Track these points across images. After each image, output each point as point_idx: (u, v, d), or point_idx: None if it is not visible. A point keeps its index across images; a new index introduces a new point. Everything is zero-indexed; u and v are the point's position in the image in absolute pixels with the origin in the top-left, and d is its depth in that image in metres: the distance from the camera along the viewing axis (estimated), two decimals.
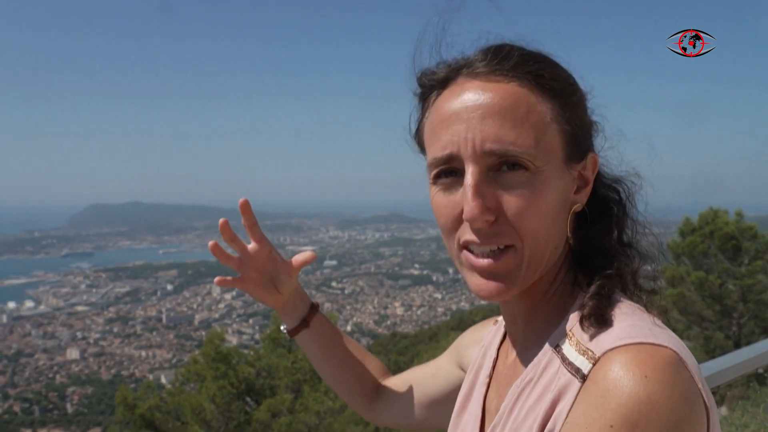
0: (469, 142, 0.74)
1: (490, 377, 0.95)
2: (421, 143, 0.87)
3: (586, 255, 0.82)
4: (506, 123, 0.74)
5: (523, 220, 0.74)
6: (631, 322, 0.71)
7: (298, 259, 1.22)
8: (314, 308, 1.28)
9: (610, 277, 0.78)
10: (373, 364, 1.31)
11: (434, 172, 0.80)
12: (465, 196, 0.75)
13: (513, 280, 0.78)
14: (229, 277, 1.20)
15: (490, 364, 0.96)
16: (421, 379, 1.22)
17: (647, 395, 0.60)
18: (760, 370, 2.35)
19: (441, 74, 0.82)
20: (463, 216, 0.75)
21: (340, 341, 1.29)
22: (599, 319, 0.72)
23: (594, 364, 0.66)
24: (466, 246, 0.79)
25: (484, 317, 1.21)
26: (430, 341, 29.58)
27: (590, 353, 0.68)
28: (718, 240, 13.26)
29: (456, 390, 1.12)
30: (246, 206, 1.16)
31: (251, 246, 1.20)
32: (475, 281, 0.79)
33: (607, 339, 0.69)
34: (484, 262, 0.77)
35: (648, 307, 0.77)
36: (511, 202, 0.74)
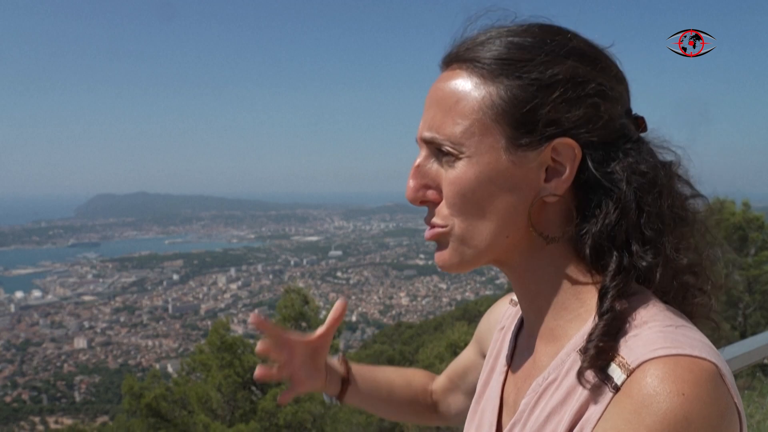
0: (418, 130, 0.82)
1: (509, 365, 0.93)
2: None
3: (595, 251, 0.76)
4: (438, 113, 0.79)
5: (451, 202, 0.78)
6: (663, 328, 0.68)
7: (333, 317, 1.11)
8: (344, 361, 1.23)
9: (622, 279, 0.73)
10: (418, 377, 1.30)
11: None
12: None
13: (451, 253, 0.81)
14: (274, 370, 1.08)
15: (508, 353, 0.94)
16: (462, 373, 1.23)
17: (684, 413, 0.59)
18: (766, 361, 2.34)
19: (442, 61, 0.86)
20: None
21: (382, 377, 1.26)
22: (608, 344, 0.69)
23: (628, 376, 0.64)
24: None
25: (489, 307, 1.19)
26: (435, 331, 29.61)
27: (621, 360, 0.66)
28: (724, 230, 13.20)
29: None
30: (262, 322, 1.05)
31: (296, 342, 1.10)
32: (435, 253, 0.84)
33: (641, 348, 0.66)
34: (426, 234, 0.83)
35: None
36: (445, 185, 0.79)
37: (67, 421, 43.53)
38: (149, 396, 11.50)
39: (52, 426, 43.72)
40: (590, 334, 0.71)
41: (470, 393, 1.17)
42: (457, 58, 0.81)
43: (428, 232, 0.82)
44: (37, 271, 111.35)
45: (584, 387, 0.69)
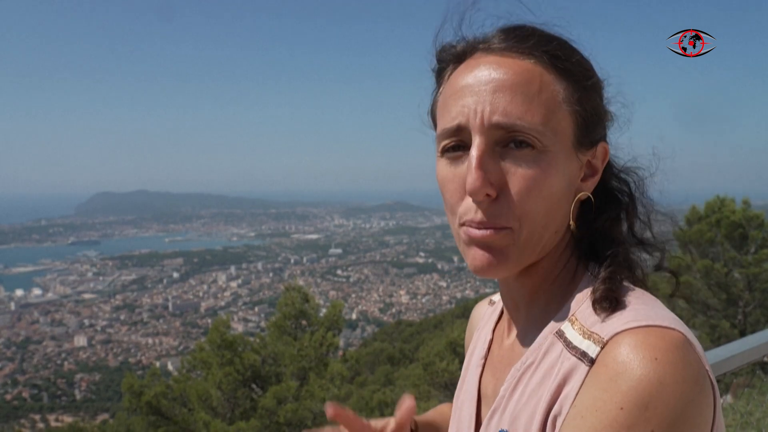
0: (478, 113, 0.74)
1: (485, 359, 0.94)
2: (434, 118, 0.86)
3: (591, 244, 0.81)
4: (517, 98, 0.73)
5: (525, 199, 0.73)
6: (636, 305, 0.71)
7: (403, 414, 1.00)
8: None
9: (618, 264, 0.78)
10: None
11: (442, 144, 0.79)
12: (468, 168, 0.74)
13: (507, 256, 0.76)
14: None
15: (485, 346, 0.95)
16: None
17: (657, 377, 0.61)
18: (766, 359, 2.34)
19: (458, 49, 0.82)
20: (466, 187, 0.74)
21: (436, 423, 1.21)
22: (613, 302, 0.72)
23: (602, 348, 0.66)
24: (465, 224, 0.78)
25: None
26: (434, 329, 29.66)
27: (596, 336, 0.68)
28: (724, 228, 13.20)
29: None
30: (339, 414, 0.94)
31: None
32: (472, 254, 0.77)
33: (613, 323, 0.68)
34: (479, 233, 0.75)
35: (654, 293, 0.79)
36: (515, 180, 0.73)
37: (68, 419, 43.56)
38: (149, 394, 11.50)
39: (53, 424, 43.72)
40: (598, 282, 0.76)
41: None
42: (517, 48, 0.77)
43: (490, 233, 0.75)
44: (38, 269, 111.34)
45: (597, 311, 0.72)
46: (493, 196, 0.74)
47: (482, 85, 0.75)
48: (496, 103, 0.73)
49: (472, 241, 0.76)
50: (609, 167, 0.85)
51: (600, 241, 0.80)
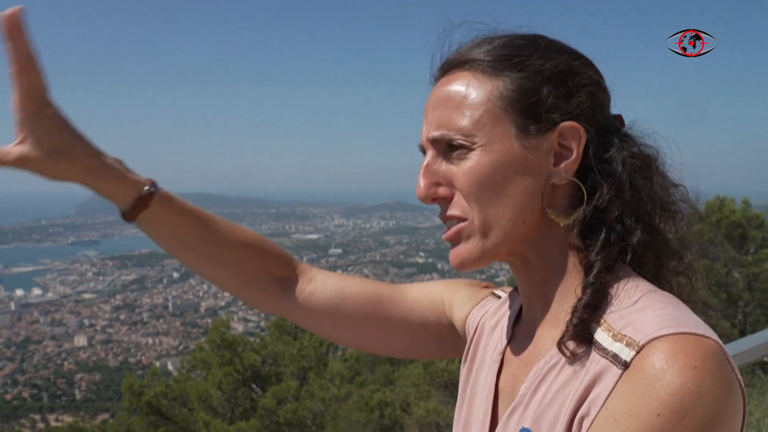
0: (423, 134, 0.85)
1: (503, 355, 0.93)
2: None
3: (589, 230, 0.80)
4: (446, 111, 0.81)
5: (469, 191, 0.80)
6: (667, 310, 0.71)
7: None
8: (151, 187, 0.93)
9: (608, 253, 0.77)
10: (264, 249, 1.06)
11: None
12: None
13: (471, 249, 0.82)
14: None
15: (504, 342, 0.94)
16: (372, 298, 1.07)
17: (696, 386, 0.62)
18: (766, 358, 2.34)
19: (436, 74, 0.89)
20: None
21: (203, 225, 0.98)
22: (591, 315, 0.74)
23: (637, 352, 0.66)
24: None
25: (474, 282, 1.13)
26: None
27: (629, 339, 0.68)
28: (724, 228, 13.22)
29: (418, 329, 1.08)
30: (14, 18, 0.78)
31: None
32: (450, 253, 0.84)
33: (647, 327, 0.68)
34: (445, 234, 0.84)
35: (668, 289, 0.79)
36: (458, 177, 0.81)
37: (68, 418, 43.50)
38: (149, 394, 11.52)
39: (53, 424, 43.66)
40: (574, 307, 0.75)
41: (344, 320, 1.06)
42: (453, 64, 0.85)
43: (449, 232, 0.83)
44: (38, 269, 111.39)
45: (565, 356, 0.74)
46: (449, 197, 0.83)
47: (427, 108, 0.85)
48: (432, 121, 0.83)
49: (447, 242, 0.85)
50: (601, 147, 0.81)
51: (594, 227, 0.79)
